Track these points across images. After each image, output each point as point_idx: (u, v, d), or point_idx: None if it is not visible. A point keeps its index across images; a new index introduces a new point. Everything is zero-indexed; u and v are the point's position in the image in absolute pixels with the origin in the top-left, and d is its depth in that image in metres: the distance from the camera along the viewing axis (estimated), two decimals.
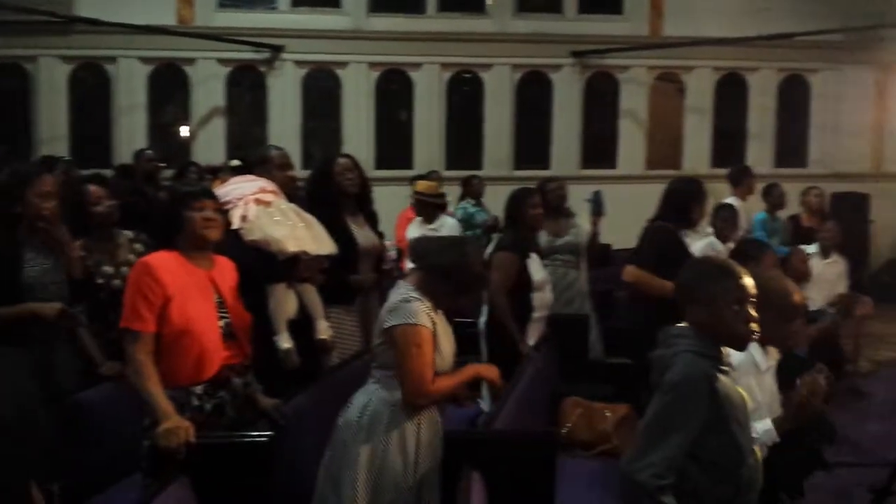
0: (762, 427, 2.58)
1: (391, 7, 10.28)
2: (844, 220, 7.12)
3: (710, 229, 5.53)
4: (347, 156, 4.41)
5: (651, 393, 2.28)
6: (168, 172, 7.70)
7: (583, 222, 5.70)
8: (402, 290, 2.83)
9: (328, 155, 4.66)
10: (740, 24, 9.99)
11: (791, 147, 11.13)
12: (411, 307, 2.75)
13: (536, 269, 4.63)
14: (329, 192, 4.19)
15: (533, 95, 10.58)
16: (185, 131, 10.14)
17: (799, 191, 7.12)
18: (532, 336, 4.45)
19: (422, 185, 6.12)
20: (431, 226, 5.90)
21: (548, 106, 10.62)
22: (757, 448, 2.39)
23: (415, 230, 5.98)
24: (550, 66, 10.51)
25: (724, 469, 2.12)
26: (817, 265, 5.80)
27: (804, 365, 2.95)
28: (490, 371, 3.00)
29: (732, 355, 2.30)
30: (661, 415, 2.14)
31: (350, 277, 4.18)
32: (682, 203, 4.46)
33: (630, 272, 4.36)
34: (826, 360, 3.55)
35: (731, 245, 5.59)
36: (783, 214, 6.98)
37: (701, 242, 5.22)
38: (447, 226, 5.87)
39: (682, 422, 2.10)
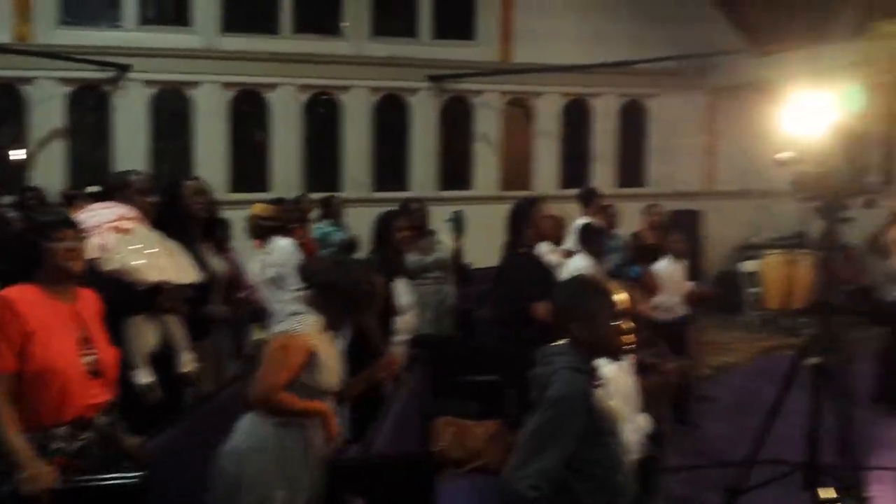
0: (642, 420, 2.79)
1: (244, 27, 10.08)
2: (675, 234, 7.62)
3: (575, 248, 5.78)
4: (196, 178, 4.30)
5: (524, 409, 2.38)
6: (6, 199, 7.20)
7: (445, 241, 5.86)
8: (295, 307, 2.85)
9: (175, 178, 4.50)
10: (585, 52, 10.55)
11: (632, 168, 11.83)
12: (300, 319, 2.78)
13: (403, 291, 4.69)
14: (178, 217, 4.06)
15: (391, 118, 10.68)
16: (21, 155, 9.48)
17: (639, 209, 7.53)
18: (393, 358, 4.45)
19: (257, 208, 5.94)
20: (265, 249, 5.76)
21: (406, 128, 10.76)
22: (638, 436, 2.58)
23: (254, 257, 5.82)
24: (407, 89, 10.66)
25: (601, 479, 2.26)
26: (669, 269, 6.25)
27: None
28: (332, 422, 2.90)
29: (603, 362, 2.45)
30: (541, 429, 2.24)
31: (202, 310, 4.06)
32: (518, 224, 4.65)
33: (540, 310, 4.23)
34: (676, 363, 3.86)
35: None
36: (620, 233, 7.36)
37: (580, 263, 5.40)
38: (278, 248, 5.62)
39: (560, 436, 2.21)
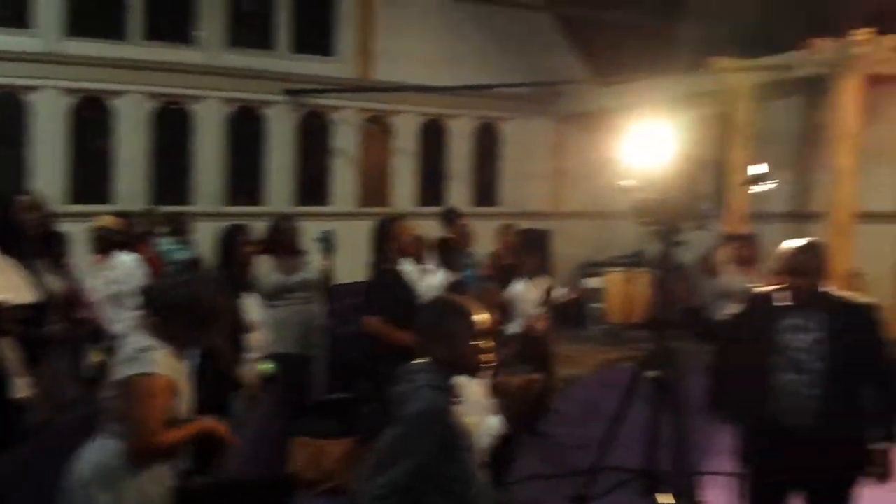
0: (494, 422, 2.88)
1: (90, 31, 9.56)
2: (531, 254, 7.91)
3: (435, 265, 5.88)
4: (29, 193, 4.08)
5: (382, 425, 2.41)
6: None
7: (314, 260, 5.78)
8: (139, 339, 2.70)
9: (5, 192, 4.24)
10: (443, 74, 10.79)
11: (485, 187, 12.20)
12: (149, 356, 2.64)
13: (252, 308, 4.60)
14: (11, 233, 3.82)
15: (246, 131, 10.45)
16: None
17: (491, 227, 7.74)
18: (246, 377, 4.37)
19: (101, 221, 5.59)
20: (108, 265, 5.38)
21: (261, 142, 10.57)
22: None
23: (95, 273, 5.47)
24: (263, 102, 10.49)
25: (458, 494, 2.32)
26: (525, 290, 6.51)
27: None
28: (218, 429, 2.86)
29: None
30: (395, 444, 2.29)
31: (38, 331, 3.82)
32: (381, 241, 4.72)
33: (370, 324, 4.40)
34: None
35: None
36: (475, 250, 7.55)
37: (439, 280, 5.51)
38: (121, 264, 5.33)
39: (414, 450, 2.26)
